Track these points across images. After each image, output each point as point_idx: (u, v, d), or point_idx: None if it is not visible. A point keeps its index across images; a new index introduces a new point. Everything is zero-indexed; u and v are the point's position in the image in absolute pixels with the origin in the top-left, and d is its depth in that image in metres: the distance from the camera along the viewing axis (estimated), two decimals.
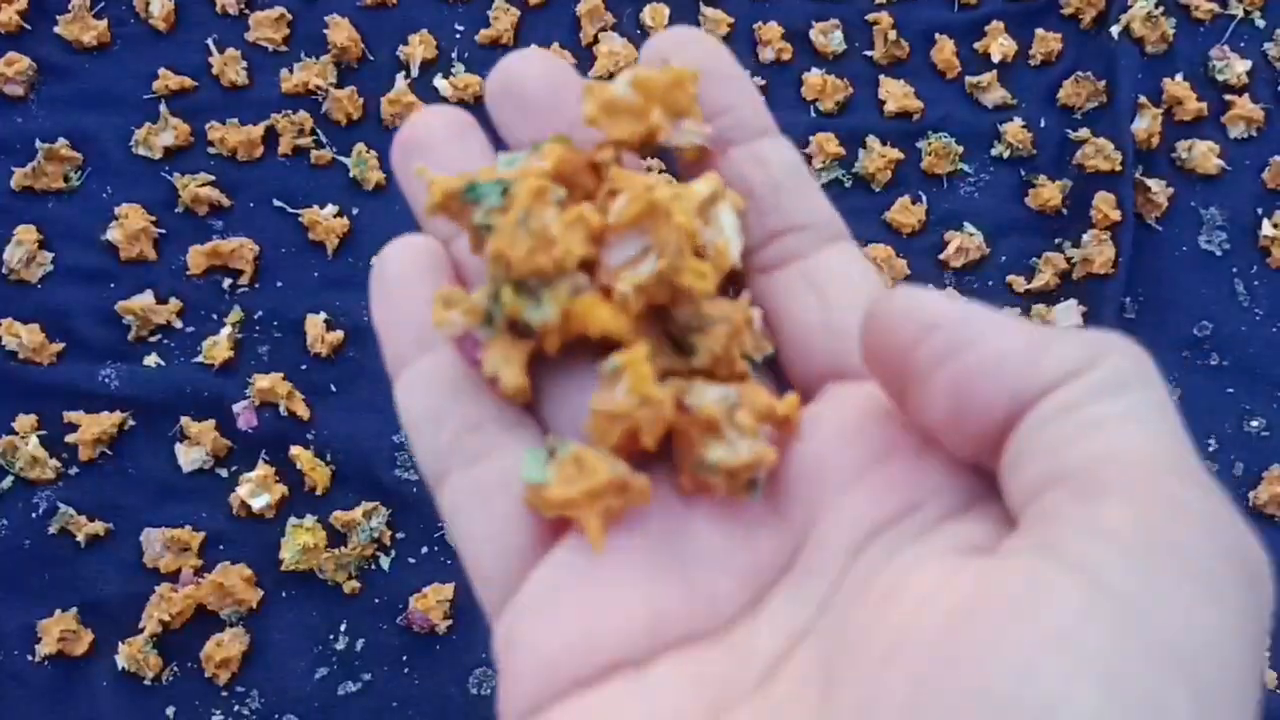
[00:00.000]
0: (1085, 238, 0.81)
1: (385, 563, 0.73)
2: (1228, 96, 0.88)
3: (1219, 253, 0.84)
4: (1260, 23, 0.90)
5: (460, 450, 0.26)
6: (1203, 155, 0.86)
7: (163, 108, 0.83)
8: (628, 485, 0.25)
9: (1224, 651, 0.19)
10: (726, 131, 0.28)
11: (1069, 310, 0.80)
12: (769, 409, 0.25)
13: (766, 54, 0.88)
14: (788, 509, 0.25)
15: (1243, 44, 0.90)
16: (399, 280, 0.27)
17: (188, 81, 0.84)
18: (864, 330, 0.24)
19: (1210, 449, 0.79)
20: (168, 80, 0.84)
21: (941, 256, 0.82)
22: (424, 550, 0.74)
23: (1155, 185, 0.84)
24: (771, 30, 0.88)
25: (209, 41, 0.85)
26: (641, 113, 0.27)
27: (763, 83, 0.87)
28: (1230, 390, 0.80)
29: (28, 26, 0.85)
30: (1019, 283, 0.82)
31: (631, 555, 0.25)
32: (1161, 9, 0.89)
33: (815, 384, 0.27)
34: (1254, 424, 0.79)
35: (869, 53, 0.88)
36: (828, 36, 0.88)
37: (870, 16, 0.89)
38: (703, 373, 0.26)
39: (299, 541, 0.71)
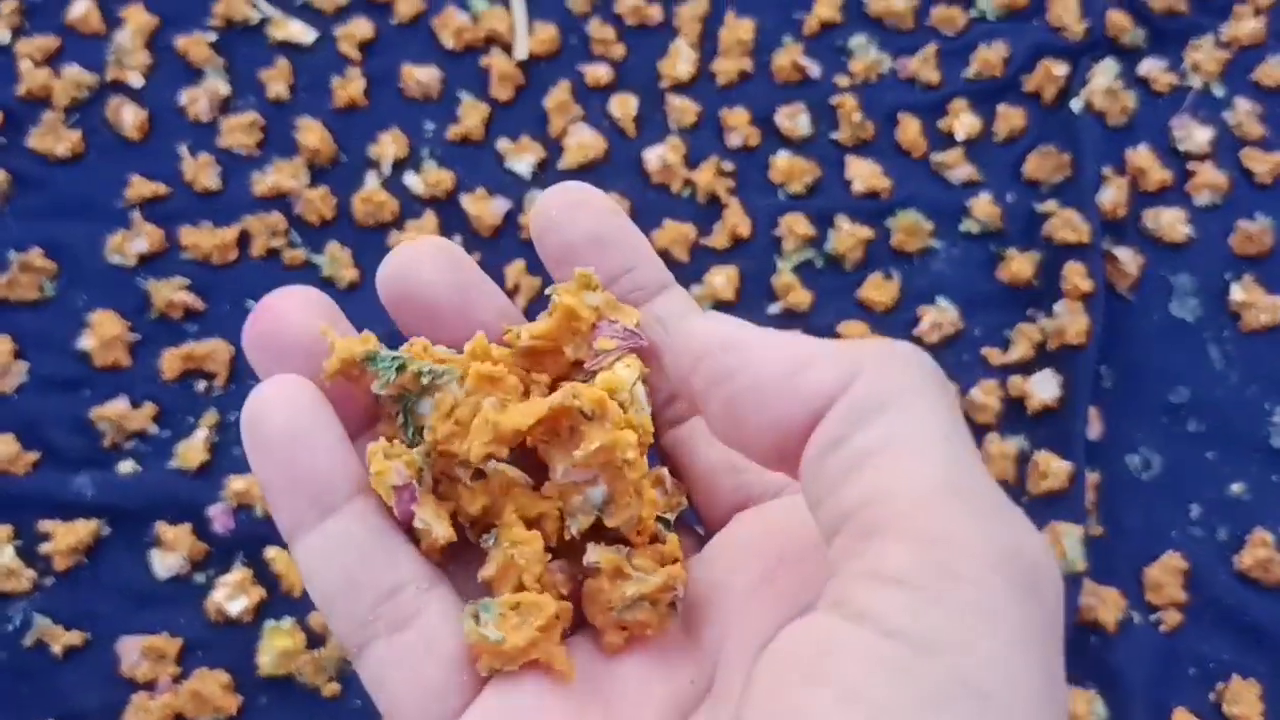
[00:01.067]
0: (1057, 308, 0.82)
1: None
2: (1190, 165, 0.89)
3: (1191, 319, 0.84)
4: (1219, 92, 0.91)
5: (381, 618, 0.25)
6: (1169, 224, 0.86)
7: (135, 215, 0.83)
8: (568, 608, 0.26)
9: (1010, 669, 0.19)
10: (628, 295, 0.28)
11: (1046, 380, 0.80)
12: (657, 553, 0.27)
13: (734, 139, 0.89)
14: (700, 634, 0.26)
15: (1203, 113, 0.91)
16: (284, 434, 0.26)
17: (160, 188, 0.85)
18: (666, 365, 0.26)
19: (1193, 515, 0.78)
20: (140, 188, 0.85)
21: (916, 332, 0.83)
22: None
23: (1124, 255, 0.85)
24: (738, 116, 0.89)
25: (181, 148, 0.86)
26: (556, 350, 0.29)
27: (731, 167, 0.88)
28: (1210, 455, 0.80)
29: (2, 141, 0.86)
30: (995, 355, 0.82)
31: (556, 700, 0.25)
32: (1121, 82, 0.90)
33: (726, 516, 0.28)
34: (1235, 488, 0.79)
35: (835, 135, 0.90)
36: (794, 120, 0.89)
37: (835, 100, 0.90)
38: (614, 532, 0.27)
39: (277, 646, 0.70)
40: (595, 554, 0.27)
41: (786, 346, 0.23)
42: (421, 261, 0.28)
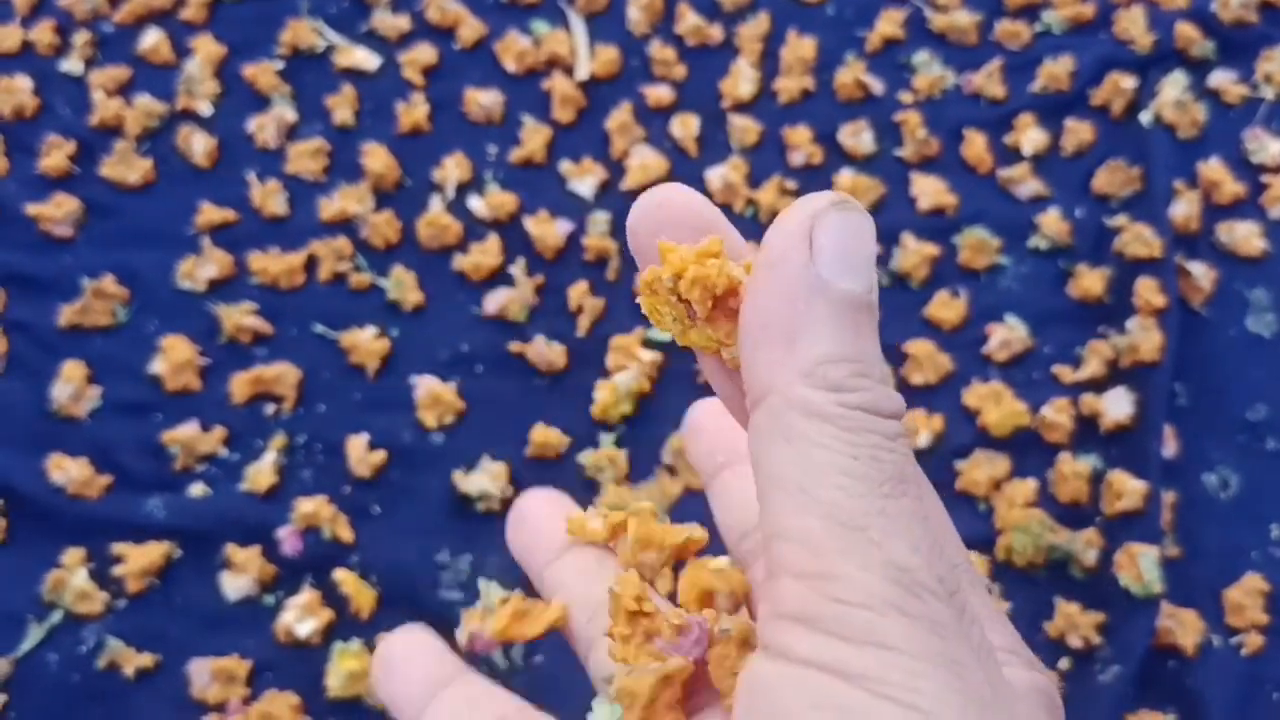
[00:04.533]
0: (1130, 325, 0.80)
1: None
2: (1264, 178, 0.87)
3: (1268, 334, 0.82)
4: None
5: None
6: (1244, 237, 0.85)
7: (205, 241, 0.84)
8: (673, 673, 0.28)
9: (913, 693, 0.21)
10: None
11: (1119, 398, 0.78)
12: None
13: (797, 158, 0.88)
14: None
15: (1276, 125, 0.89)
16: (402, 661, 0.30)
17: (229, 214, 0.86)
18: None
19: (1274, 535, 0.76)
20: (210, 214, 0.86)
21: (985, 350, 0.82)
22: None
23: (1197, 269, 0.83)
24: (801, 134, 0.89)
25: (250, 175, 0.88)
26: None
27: (794, 186, 0.87)
28: None
29: (76, 169, 0.88)
30: (1066, 373, 0.81)
31: None
32: (1191, 95, 0.89)
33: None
34: None
35: (899, 152, 0.89)
36: (857, 138, 0.89)
37: (898, 116, 0.90)
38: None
39: (344, 668, 0.71)
40: (727, 621, 0.28)
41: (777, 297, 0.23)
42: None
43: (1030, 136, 0.88)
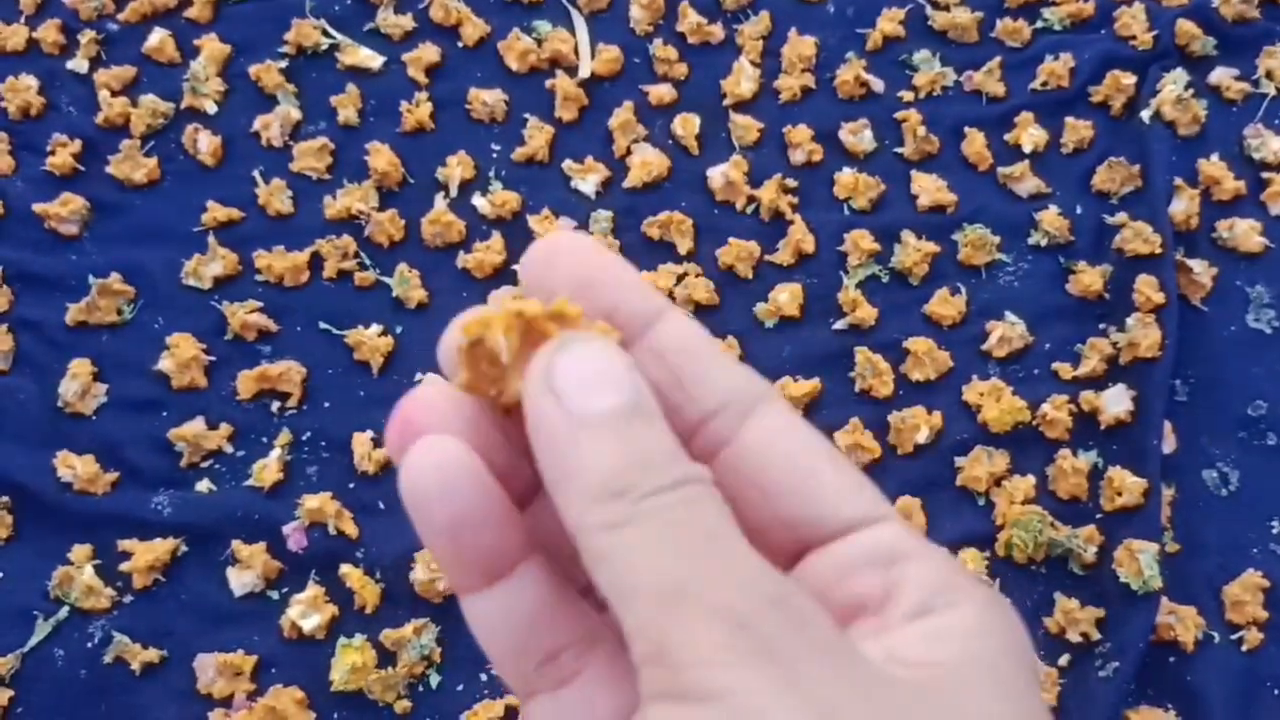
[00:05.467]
0: (1130, 321, 0.81)
1: (435, 680, 0.73)
2: (1265, 174, 0.87)
3: (1268, 330, 0.83)
4: None
5: (544, 677, 0.26)
6: (1244, 234, 0.85)
7: (211, 239, 0.85)
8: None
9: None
10: (623, 330, 0.27)
11: (1119, 395, 0.79)
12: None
13: (797, 156, 0.89)
14: None
15: (1277, 122, 0.89)
16: (450, 506, 0.25)
17: (235, 213, 0.87)
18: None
19: (1274, 531, 0.77)
20: (216, 212, 0.86)
21: (984, 347, 0.82)
22: (474, 667, 0.73)
23: (1197, 266, 0.83)
24: (801, 133, 0.89)
25: (255, 173, 0.88)
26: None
27: (795, 184, 0.87)
28: None
29: (81, 168, 0.88)
30: (1065, 370, 0.81)
31: None
32: (1192, 91, 0.89)
33: (787, 559, 0.27)
34: None
35: (899, 150, 0.89)
36: (857, 136, 0.89)
37: (899, 114, 0.90)
38: None
39: (348, 662, 0.71)
40: None
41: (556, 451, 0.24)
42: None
43: (1030, 134, 0.89)
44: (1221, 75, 0.91)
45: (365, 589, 0.74)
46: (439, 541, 0.26)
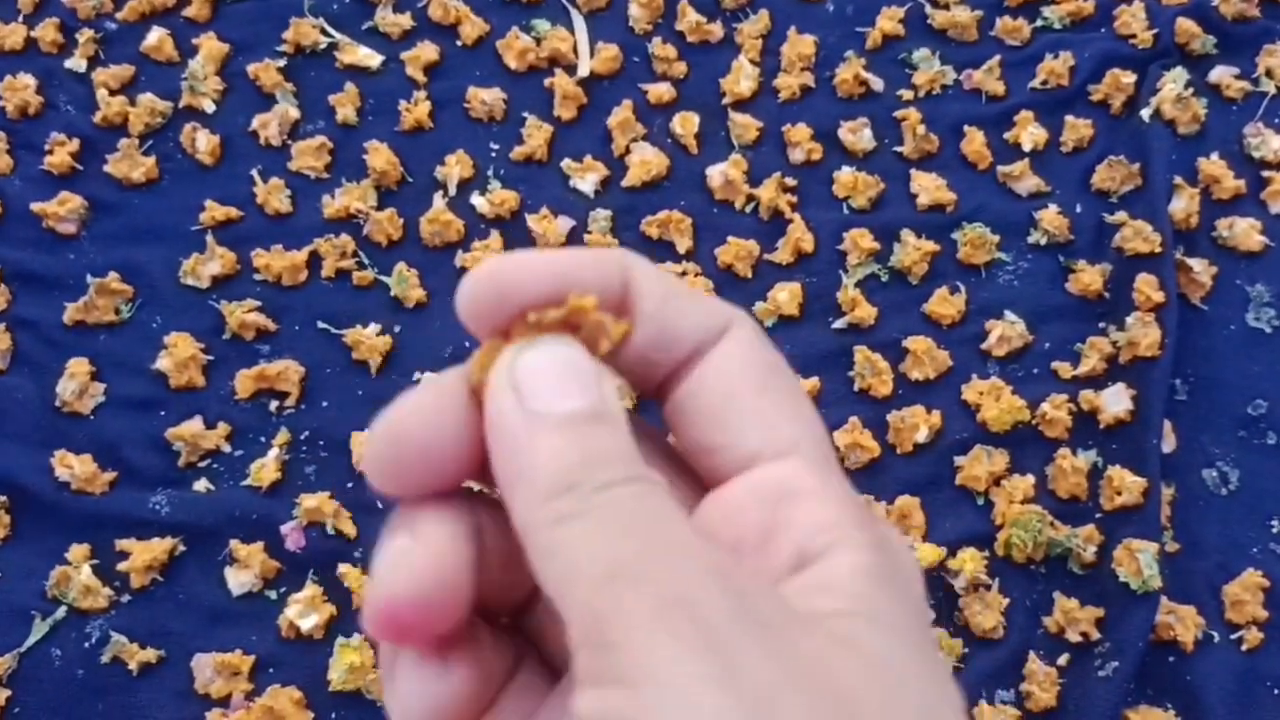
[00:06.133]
0: (1129, 320, 0.80)
1: None
2: (1265, 173, 0.87)
3: (1268, 329, 0.83)
4: None
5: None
6: (1244, 232, 0.85)
7: (209, 238, 0.85)
8: None
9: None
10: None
11: (1118, 394, 0.79)
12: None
13: (797, 155, 0.89)
14: None
15: (1277, 120, 0.89)
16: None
17: (233, 212, 0.87)
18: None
19: (1274, 530, 0.76)
20: (214, 211, 0.86)
21: (984, 346, 0.82)
22: None
23: (1197, 265, 0.83)
24: (801, 132, 0.89)
25: (253, 172, 0.88)
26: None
27: (794, 183, 0.87)
28: None
29: (79, 167, 0.88)
30: (1065, 369, 0.81)
31: None
32: (1191, 90, 0.89)
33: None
34: None
35: (899, 149, 0.89)
36: (857, 135, 0.89)
37: (898, 113, 0.90)
38: None
39: (346, 661, 0.71)
40: None
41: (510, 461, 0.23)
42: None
43: (1030, 133, 0.89)
44: (1221, 74, 0.91)
45: (363, 588, 0.74)
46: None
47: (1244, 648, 0.73)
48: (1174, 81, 0.89)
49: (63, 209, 0.86)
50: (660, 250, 0.85)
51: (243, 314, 0.82)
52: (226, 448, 0.80)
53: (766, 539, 0.23)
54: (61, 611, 0.74)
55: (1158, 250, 0.82)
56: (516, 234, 0.86)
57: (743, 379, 0.25)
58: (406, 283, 0.84)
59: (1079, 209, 0.87)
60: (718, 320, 0.26)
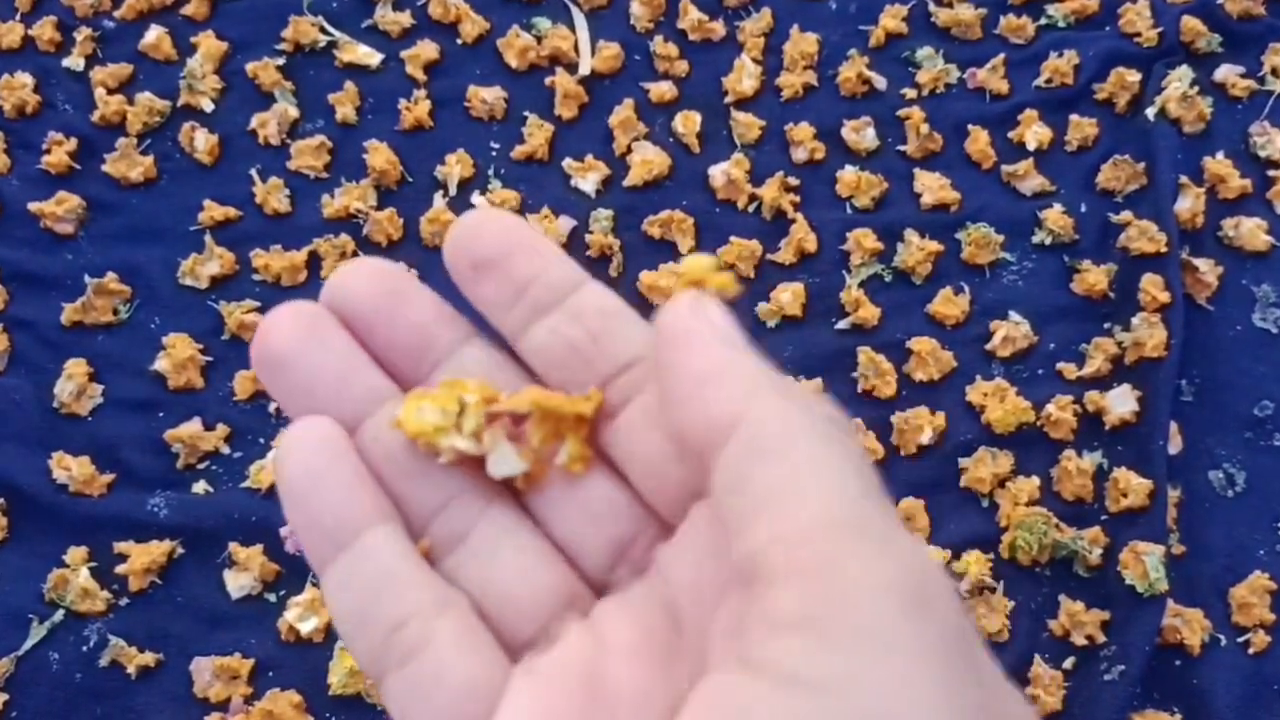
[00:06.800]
0: (1135, 321, 0.80)
1: None
2: (1271, 172, 0.87)
3: (1275, 330, 0.82)
4: None
5: (391, 650, 0.26)
6: (1250, 232, 0.84)
7: (208, 238, 0.84)
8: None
9: (911, 694, 0.20)
10: (541, 298, 0.29)
11: (1124, 395, 0.78)
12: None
13: (799, 154, 0.88)
14: (687, 636, 0.26)
15: None
16: (300, 477, 0.27)
17: (232, 212, 0.86)
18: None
19: None
20: (212, 211, 0.86)
21: (988, 347, 0.81)
22: None
23: (1203, 265, 0.83)
24: (803, 131, 0.88)
25: (252, 172, 0.87)
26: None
27: (797, 182, 0.87)
28: None
29: (77, 166, 0.88)
30: (1070, 370, 0.80)
31: (562, 704, 0.25)
32: (1197, 89, 0.88)
33: (680, 508, 0.28)
34: None
35: (902, 148, 0.89)
36: (860, 134, 0.88)
37: (902, 112, 0.89)
38: None
39: (346, 665, 0.71)
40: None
41: (703, 356, 0.25)
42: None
43: (1034, 132, 0.88)
44: (1227, 72, 0.91)
45: None
46: (293, 506, 0.27)
47: (1251, 651, 0.73)
48: (1179, 80, 0.88)
49: (60, 209, 0.85)
50: (662, 250, 0.85)
51: (242, 314, 0.82)
52: (226, 449, 0.79)
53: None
54: (59, 615, 0.74)
55: (1163, 250, 0.82)
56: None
57: None
58: None
59: (1084, 208, 0.86)
60: None
